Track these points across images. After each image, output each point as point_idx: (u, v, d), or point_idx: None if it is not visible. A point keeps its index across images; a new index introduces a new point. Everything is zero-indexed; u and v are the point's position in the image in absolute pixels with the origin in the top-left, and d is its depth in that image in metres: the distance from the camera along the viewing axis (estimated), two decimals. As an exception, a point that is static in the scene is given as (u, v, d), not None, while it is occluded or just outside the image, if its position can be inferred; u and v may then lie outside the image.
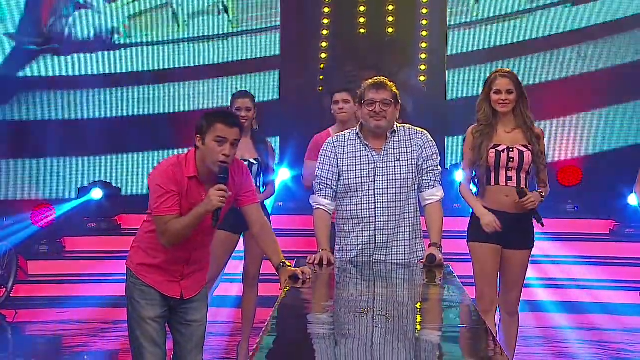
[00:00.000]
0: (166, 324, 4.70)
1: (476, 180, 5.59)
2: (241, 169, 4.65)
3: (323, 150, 5.23)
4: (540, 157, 5.50)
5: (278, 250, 4.66)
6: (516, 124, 5.52)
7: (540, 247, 5.66)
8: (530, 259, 5.67)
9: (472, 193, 5.60)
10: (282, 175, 10.16)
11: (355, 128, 5.25)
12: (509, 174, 5.48)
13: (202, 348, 4.75)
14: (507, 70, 5.58)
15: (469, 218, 5.64)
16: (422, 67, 11.26)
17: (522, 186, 5.48)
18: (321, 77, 11.35)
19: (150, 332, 4.57)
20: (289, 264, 4.63)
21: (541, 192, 5.50)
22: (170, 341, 4.76)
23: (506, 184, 5.48)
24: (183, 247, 4.55)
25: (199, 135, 4.45)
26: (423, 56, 11.24)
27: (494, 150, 5.46)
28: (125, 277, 4.69)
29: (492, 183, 5.50)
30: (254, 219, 4.68)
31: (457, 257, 7.02)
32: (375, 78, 5.18)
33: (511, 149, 5.46)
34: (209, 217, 4.45)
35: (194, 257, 4.63)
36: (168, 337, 4.73)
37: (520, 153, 5.45)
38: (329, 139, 5.31)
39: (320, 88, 11.29)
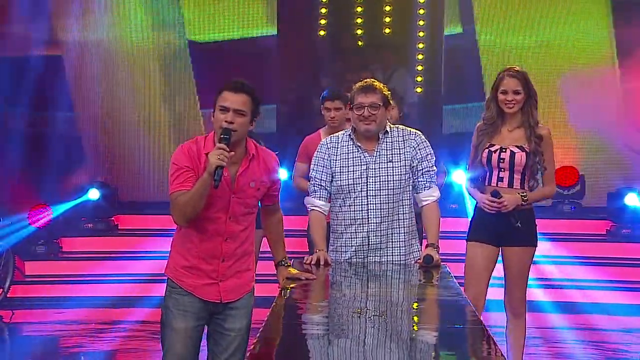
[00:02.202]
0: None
1: (479, 180, 5.58)
2: (277, 163, 4.56)
3: (317, 151, 5.23)
4: (538, 157, 5.44)
5: (282, 246, 4.66)
6: (520, 123, 5.48)
7: (538, 247, 5.63)
8: (533, 258, 5.60)
9: (476, 189, 5.58)
10: (281, 175, 10.16)
11: (348, 129, 5.25)
12: (501, 174, 5.48)
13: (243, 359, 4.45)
14: (517, 69, 5.50)
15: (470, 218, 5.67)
16: (419, 68, 11.26)
17: (515, 187, 5.47)
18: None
19: (174, 342, 4.36)
20: (289, 264, 4.64)
21: (524, 195, 5.43)
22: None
23: (497, 185, 5.48)
24: (212, 237, 4.32)
25: (213, 111, 4.31)
26: (420, 57, 11.24)
27: (487, 150, 5.47)
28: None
29: (486, 183, 5.52)
30: (271, 212, 4.66)
31: (455, 257, 7.01)
32: (365, 81, 5.15)
33: (504, 150, 5.44)
34: (222, 193, 4.25)
35: (227, 250, 4.35)
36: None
37: (512, 154, 5.43)
38: (322, 140, 5.31)
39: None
